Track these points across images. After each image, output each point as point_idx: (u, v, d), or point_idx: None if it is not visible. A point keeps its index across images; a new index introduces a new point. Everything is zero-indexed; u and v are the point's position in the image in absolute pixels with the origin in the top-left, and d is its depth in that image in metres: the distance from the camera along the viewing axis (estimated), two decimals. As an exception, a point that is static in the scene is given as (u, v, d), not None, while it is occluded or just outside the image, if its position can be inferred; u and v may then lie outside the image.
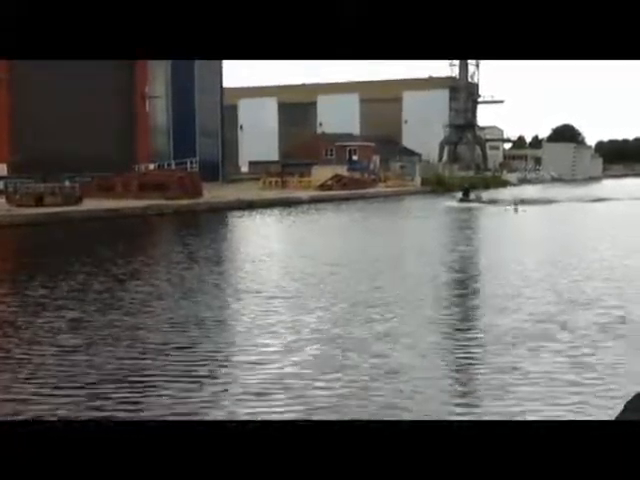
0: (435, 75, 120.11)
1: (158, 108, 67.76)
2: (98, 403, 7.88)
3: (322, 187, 58.99)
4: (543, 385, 8.41)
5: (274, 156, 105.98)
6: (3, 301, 14.10)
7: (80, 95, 56.17)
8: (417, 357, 9.67)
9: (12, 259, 22.82)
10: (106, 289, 15.21)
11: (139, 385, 8.56)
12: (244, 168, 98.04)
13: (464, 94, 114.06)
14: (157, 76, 67.78)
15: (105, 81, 58.68)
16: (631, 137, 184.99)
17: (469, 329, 11.50)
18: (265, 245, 24.46)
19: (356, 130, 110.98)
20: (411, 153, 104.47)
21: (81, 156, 52.55)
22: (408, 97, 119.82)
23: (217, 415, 7.49)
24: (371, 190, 61.35)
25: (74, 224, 32.60)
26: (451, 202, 46.93)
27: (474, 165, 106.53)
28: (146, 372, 9.10)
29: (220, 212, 40.17)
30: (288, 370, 9.10)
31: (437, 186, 68.48)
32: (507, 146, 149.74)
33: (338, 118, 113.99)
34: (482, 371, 9.07)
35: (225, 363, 9.62)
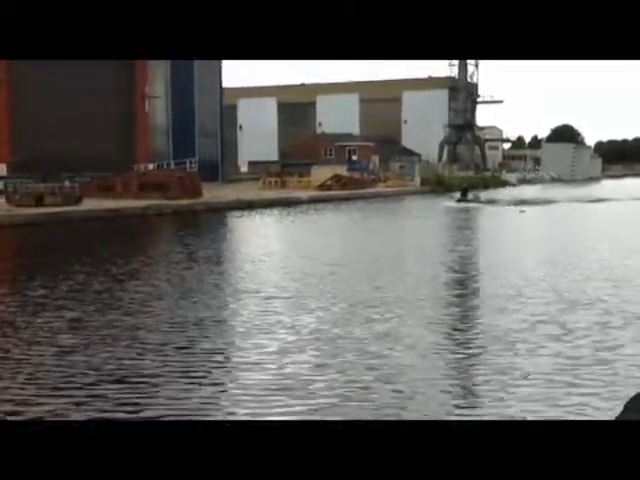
0: (434, 75, 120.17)
1: (158, 108, 67.77)
2: (98, 405, 7.88)
3: (322, 187, 59.00)
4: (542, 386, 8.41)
5: (273, 156, 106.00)
6: (3, 301, 14.09)
7: (80, 95, 56.17)
8: (417, 357, 9.66)
9: (12, 259, 22.80)
10: (106, 289, 15.21)
11: (137, 385, 8.56)
12: (243, 168, 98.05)
13: (463, 94, 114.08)
14: (157, 76, 67.80)
15: (105, 81, 58.69)
16: (630, 137, 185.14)
17: (468, 329, 11.49)
18: (265, 245, 24.45)
19: (356, 130, 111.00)
20: (411, 153, 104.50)
21: (81, 156, 52.55)
22: (408, 97, 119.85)
23: (215, 415, 7.49)
24: (371, 190, 61.35)
25: (74, 224, 32.59)
26: (450, 202, 46.86)
27: (473, 165, 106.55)
28: (144, 372, 9.10)
29: (220, 212, 40.17)
30: (286, 371, 9.09)
31: (437, 186, 68.50)
32: (506, 146, 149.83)
33: (338, 118, 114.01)
34: (482, 371, 9.07)
35: (224, 363, 9.61)
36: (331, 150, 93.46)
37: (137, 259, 20.49)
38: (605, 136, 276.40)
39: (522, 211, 40.84)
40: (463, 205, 44.85)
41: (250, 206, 43.49)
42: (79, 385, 8.53)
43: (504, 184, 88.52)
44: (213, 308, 13.11)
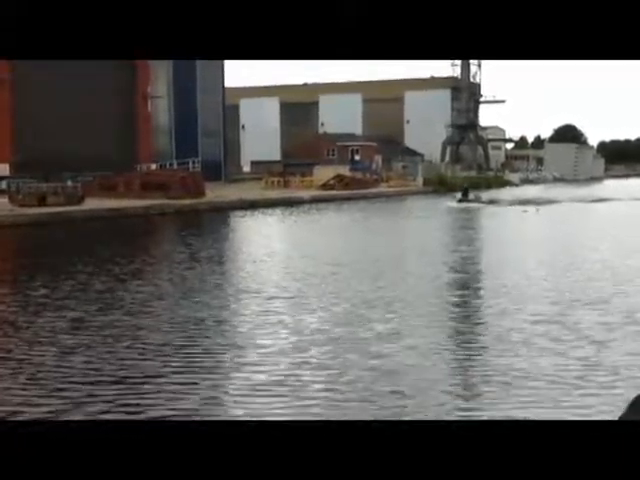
0: (437, 75, 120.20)
1: (160, 108, 67.82)
2: (98, 407, 7.88)
3: (324, 187, 59.00)
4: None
5: (276, 156, 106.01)
6: (5, 301, 14.11)
7: (82, 95, 56.21)
8: (418, 358, 9.66)
9: (15, 259, 22.82)
10: (108, 289, 15.22)
11: (136, 385, 8.57)
12: (246, 168, 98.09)
13: (466, 94, 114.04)
14: (159, 76, 67.84)
15: (107, 81, 58.73)
16: (633, 137, 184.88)
17: (471, 329, 11.49)
18: (267, 245, 24.47)
19: (358, 130, 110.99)
20: (413, 153, 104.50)
21: (83, 156, 52.60)
22: (410, 97, 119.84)
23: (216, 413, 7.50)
24: (373, 190, 61.35)
25: (77, 224, 32.62)
26: (451, 202, 46.75)
27: (476, 165, 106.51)
28: (144, 372, 9.10)
29: (222, 212, 40.20)
30: (287, 372, 9.09)
31: (439, 186, 68.47)
32: (509, 146, 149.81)
33: (340, 118, 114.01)
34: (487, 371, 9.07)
35: (224, 364, 9.62)
36: (333, 150, 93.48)
37: (139, 259, 20.51)
38: (608, 136, 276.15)
39: (524, 211, 40.81)
40: (464, 205, 44.72)
41: (253, 206, 43.52)
42: (85, 384, 8.54)
43: (507, 184, 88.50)
44: (214, 308, 13.11)
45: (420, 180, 72.83)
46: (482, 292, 15.13)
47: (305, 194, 52.23)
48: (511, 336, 10.74)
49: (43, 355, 9.90)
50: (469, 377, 8.92)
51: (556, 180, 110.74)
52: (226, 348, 10.32)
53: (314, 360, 9.54)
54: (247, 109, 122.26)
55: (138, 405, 7.84)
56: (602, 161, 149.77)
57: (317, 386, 8.46)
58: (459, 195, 48.80)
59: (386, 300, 13.67)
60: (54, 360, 9.64)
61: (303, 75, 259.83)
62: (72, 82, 54.95)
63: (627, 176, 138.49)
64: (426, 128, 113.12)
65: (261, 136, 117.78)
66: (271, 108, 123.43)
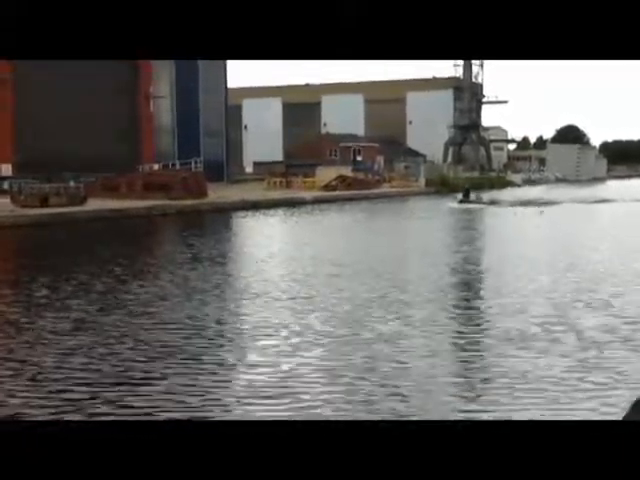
0: (439, 76, 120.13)
1: (162, 108, 67.86)
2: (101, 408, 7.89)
3: (326, 187, 58.99)
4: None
5: (278, 156, 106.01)
6: (9, 301, 14.12)
7: (84, 95, 56.27)
8: (417, 357, 9.66)
9: (18, 260, 22.83)
10: (109, 290, 15.23)
11: (135, 385, 8.57)
12: (248, 168, 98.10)
13: (468, 94, 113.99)
14: (161, 76, 67.87)
15: (109, 81, 58.77)
16: (635, 138, 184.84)
17: (475, 330, 11.48)
18: (269, 246, 24.47)
19: (361, 131, 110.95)
20: (415, 154, 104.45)
21: (86, 156, 52.63)
22: (412, 98, 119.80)
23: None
24: (375, 191, 61.34)
25: (79, 224, 32.63)
26: (452, 203, 46.65)
27: (479, 166, 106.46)
28: (145, 372, 9.10)
29: (224, 212, 40.20)
30: (289, 373, 9.09)
31: (441, 187, 68.43)
32: (511, 147, 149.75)
33: (342, 118, 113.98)
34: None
35: (226, 364, 9.61)
36: (336, 151, 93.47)
37: (141, 260, 20.52)
38: (610, 136, 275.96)
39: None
40: (465, 206, 44.59)
41: (255, 206, 43.51)
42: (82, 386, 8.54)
43: (509, 185, 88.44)
44: (216, 309, 13.11)
45: (422, 181, 72.80)
46: (482, 292, 15.12)
47: (307, 195, 52.22)
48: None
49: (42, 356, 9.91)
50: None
51: (558, 181, 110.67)
52: (227, 348, 10.33)
53: (314, 361, 9.53)
54: (250, 109, 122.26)
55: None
56: (604, 162, 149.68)
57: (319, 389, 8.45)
58: (460, 196, 48.75)
59: (387, 300, 13.67)
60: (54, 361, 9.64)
61: (306, 75, 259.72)
62: (74, 82, 55.01)
63: (629, 177, 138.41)
64: (428, 129, 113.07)
65: (263, 136, 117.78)
66: (274, 108, 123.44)
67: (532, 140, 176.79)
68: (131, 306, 13.31)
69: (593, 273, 17.03)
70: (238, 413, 7.61)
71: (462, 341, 10.64)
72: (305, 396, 8.09)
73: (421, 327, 11.46)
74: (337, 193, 55.71)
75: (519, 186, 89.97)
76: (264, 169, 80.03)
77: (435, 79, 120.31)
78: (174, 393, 8.19)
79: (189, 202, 40.96)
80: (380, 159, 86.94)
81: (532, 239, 26.83)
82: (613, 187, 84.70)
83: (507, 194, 64.45)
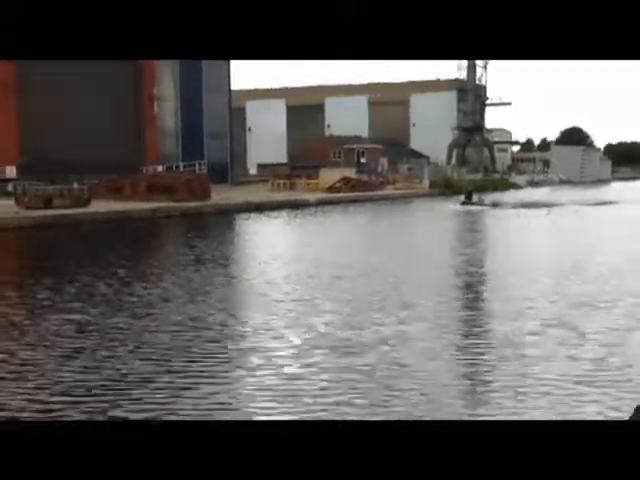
0: (443, 77, 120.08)
1: (166, 110, 67.92)
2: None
3: (330, 189, 58.97)
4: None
5: (282, 158, 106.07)
6: (13, 302, 14.14)
7: (88, 97, 56.33)
8: (418, 357, 9.66)
9: (22, 261, 22.86)
10: (113, 291, 15.24)
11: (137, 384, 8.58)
12: (252, 170, 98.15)
13: (472, 96, 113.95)
14: (165, 78, 67.95)
15: (113, 83, 58.84)
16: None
17: (478, 332, 11.48)
18: (272, 247, 24.48)
19: (364, 132, 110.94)
20: (419, 155, 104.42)
21: (89, 158, 52.69)
22: (416, 99, 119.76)
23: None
24: (379, 192, 61.32)
25: (83, 226, 32.67)
26: (454, 205, 46.49)
27: (482, 168, 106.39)
28: (146, 372, 9.11)
29: (228, 214, 40.21)
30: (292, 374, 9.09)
31: (445, 188, 68.35)
32: (515, 149, 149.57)
33: (346, 120, 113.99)
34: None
35: (228, 365, 9.62)
36: (340, 152, 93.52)
37: (146, 261, 20.54)
38: (614, 138, 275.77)
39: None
40: (467, 208, 44.42)
41: (259, 208, 43.52)
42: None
43: (513, 187, 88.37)
44: (219, 310, 13.12)
45: (426, 182, 72.73)
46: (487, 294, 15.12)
47: (311, 197, 52.22)
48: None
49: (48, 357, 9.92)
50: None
51: (562, 183, 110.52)
52: (230, 349, 10.33)
53: (318, 363, 9.53)
54: (253, 111, 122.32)
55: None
56: (609, 163, 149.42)
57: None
58: (463, 198, 48.59)
59: (388, 302, 13.67)
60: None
61: (309, 76, 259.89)
62: (78, 84, 55.10)
63: (634, 178, 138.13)
64: (432, 130, 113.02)
65: (267, 138, 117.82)
66: (277, 110, 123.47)
67: (536, 142, 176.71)
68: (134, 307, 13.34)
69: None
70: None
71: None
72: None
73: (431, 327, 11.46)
74: (341, 195, 55.71)
75: (522, 188, 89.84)
76: (268, 171, 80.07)
77: (439, 81, 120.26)
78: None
79: (193, 204, 40.99)
80: (384, 161, 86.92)
81: (534, 243, 26.79)
82: (617, 189, 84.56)
83: (510, 196, 64.30)
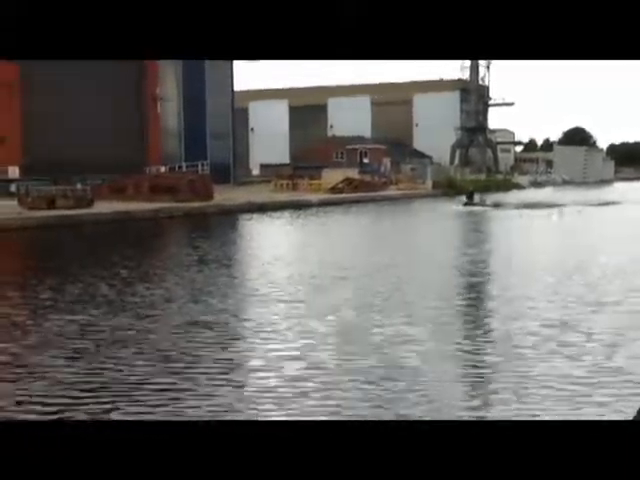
0: (446, 78, 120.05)
1: (169, 110, 67.98)
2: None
3: (333, 190, 58.95)
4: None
5: (285, 159, 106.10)
6: (16, 303, 14.15)
7: (91, 97, 56.39)
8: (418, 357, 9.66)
9: (25, 262, 22.88)
10: (116, 292, 15.26)
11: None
12: (255, 171, 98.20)
13: (475, 97, 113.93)
14: (168, 78, 68.00)
15: (116, 83, 58.89)
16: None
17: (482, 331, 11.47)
18: (275, 248, 24.48)
19: (367, 133, 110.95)
20: (422, 156, 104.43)
21: (92, 158, 52.73)
22: (419, 100, 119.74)
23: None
24: (382, 193, 61.32)
25: (86, 227, 32.69)
26: (456, 206, 46.30)
27: (485, 168, 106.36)
28: (149, 373, 9.12)
29: (231, 214, 40.22)
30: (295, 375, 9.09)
31: (448, 189, 68.31)
32: (518, 149, 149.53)
33: (349, 121, 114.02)
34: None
35: (231, 366, 9.62)
36: (342, 153, 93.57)
37: (149, 261, 20.56)
38: (617, 139, 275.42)
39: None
40: (469, 209, 44.13)
41: (261, 209, 43.52)
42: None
43: (515, 187, 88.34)
44: (222, 311, 13.12)
45: (429, 183, 72.71)
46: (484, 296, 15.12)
47: (314, 197, 52.22)
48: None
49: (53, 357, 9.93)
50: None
51: (565, 183, 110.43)
52: (233, 350, 10.34)
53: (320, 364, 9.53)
54: (256, 112, 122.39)
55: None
56: (612, 164, 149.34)
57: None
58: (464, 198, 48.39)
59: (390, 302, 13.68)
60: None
61: (312, 76, 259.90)
62: (80, 84, 55.13)
63: (637, 179, 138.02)
64: (435, 131, 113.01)
65: (270, 139, 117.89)
66: (280, 111, 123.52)
67: (539, 142, 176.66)
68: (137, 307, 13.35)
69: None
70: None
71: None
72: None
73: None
74: (344, 195, 55.70)
75: (524, 188, 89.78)
76: (271, 171, 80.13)
77: (442, 81, 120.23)
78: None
79: (196, 204, 41.01)
80: (387, 161, 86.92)
81: (536, 244, 26.77)
82: (620, 189, 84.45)
83: (512, 196, 64.21)
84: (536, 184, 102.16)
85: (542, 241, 27.00)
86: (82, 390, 8.39)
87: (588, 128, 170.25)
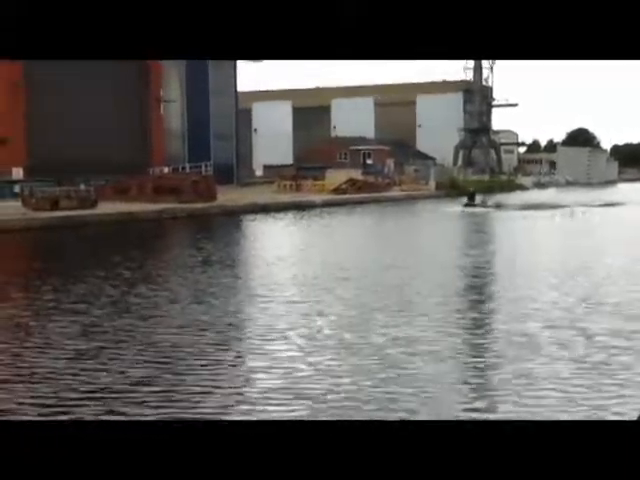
0: (449, 79, 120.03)
1: (173, 111, 68.01)
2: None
3: (336, 191, 58.94)
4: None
5: (288, 160, 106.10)
6: (20, 304, 14.17)
7: (95, 98, 56.41)
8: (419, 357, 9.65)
9: (29, 263, 22.91)
10: (120, 293, 15.28)
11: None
12: (258, 172, 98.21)
13: (478, 97, 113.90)
14: (172, 79, 68.03)
15: (120, 84, 58.93)
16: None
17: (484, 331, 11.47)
18: (278, 248, 24.49)
19: (370, 134, 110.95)
20: (425, 157, 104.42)
21: (96, 159, 52.76)
22: (422, 101, 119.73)
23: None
24: (385, 194, 61.31)
25: (90, 227, 32.73)
26: (457, 207, 46.07)
27: (489, 169, 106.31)
28: (150, 374, 9.13)
29: (234, 215, 40.24)
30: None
31: (451, 190, 68.25)
32: (522, 150, 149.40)
33: (352, 122, 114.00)
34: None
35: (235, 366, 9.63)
36: (346, 154, 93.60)
37: (152, 262, 20.58)
38: (621, 139, 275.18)
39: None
40: (470, 210, 43.81)
41: (265, 210, 43.52)
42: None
43: (519, 188, 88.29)
44: (225, 312, 13.13)
45: (432, 184, 72.67)
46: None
47: (317, 198, 52.21)
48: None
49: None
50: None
51: (569, 184, 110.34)
52: (237, 351, 10.35)
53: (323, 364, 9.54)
54: (260, 113, 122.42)
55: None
56: (615, 164, 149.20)
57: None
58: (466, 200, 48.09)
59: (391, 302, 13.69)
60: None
61: (315, 78, 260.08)
62: (85, 85, 55.18)
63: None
64: (438, 132, 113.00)
65: (273, 140, 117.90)
66: (284, 112, 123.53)
67: (542, 143, 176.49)
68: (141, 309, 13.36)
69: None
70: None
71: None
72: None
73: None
74: (347, 196, 55.68)
75: (527, 189, 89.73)
76: (274, 172, 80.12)
77: (445, 82, 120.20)
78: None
79: (199, 205, 41.03)
80: (390, 162, 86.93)
81: (538, 245, 26.76)
82: (624, 190, 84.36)
83: (514, 197, 64.09)
84: (539, 185, 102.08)
85: (547, 242, 26.97)
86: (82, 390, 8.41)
87: (592, 129, 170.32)
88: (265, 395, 8.22)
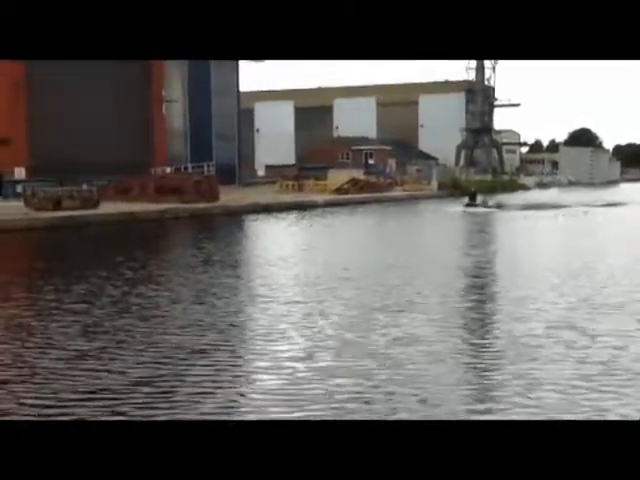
0: (451, 79, 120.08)
1: (175, 111, 68.03)
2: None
3: (338, 191, 58.95)
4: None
5: (290, 160, 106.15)
6: (23, 303, 14.19)
7: (97, 98, 56.44)
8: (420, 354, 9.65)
9: (32, 263, 22.93)
10: (122, 293, 15.29)
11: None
12: (260, 172, 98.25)
13: (480, 97, 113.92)
14: (174, 79, 68.05)
15: (122, 84, 58.95)
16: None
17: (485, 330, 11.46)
18: (280, 249, 24.49)
19: (372, 134, 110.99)
20: (427, 157, 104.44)
21: (98, 159, 52.79)
22: (424, 101, 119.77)
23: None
24: (387, 194, 61.31)
25: (92, 227, 32.75)
26: (458, 207, 45.93)
27: (491, 169, 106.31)
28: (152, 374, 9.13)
29: (236, 215, 40.25)
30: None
31: (454, 190, 68.25)
32: (524, 150, 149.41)
33: (354, 122, 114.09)
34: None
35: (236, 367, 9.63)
36: (348, 154, 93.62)
37: (154, 262, 20.58)
38: (624, 139, 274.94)
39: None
40: (471, 210, 43.62)
41: (267, 210, 43.53)
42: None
43: (521, 188, 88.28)
44: (225, 312, 13.13)
45: (434, 184, 72.69)
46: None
47: (319, 198, 52.22)
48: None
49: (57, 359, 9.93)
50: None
51: (571, 184, 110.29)
52: (237, 352, 10.35)
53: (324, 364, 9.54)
54: (262, 113, 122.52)
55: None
56: (618, 164, 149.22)
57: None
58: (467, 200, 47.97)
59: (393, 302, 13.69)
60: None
61: (318, 78, 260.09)
62: (87, 85, 55.21)
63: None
64: (440, 132, 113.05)
65: (276, 140, 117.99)
66: (286, 112, 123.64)
67: (545, 143, 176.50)
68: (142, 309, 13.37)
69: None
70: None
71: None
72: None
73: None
74: (349, 196, 55.70)
75: (529, 189, 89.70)
76: (276, 172, 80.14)
77: (447, 82, 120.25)
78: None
79: (201, 205, 41.04)
80: (392, 162, 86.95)
81: (540, 245, 26.75)
82: (626, 190, 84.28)
83: (516, 197, 64.05)
84: (542, 185, 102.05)
85: (549, 242, 26.95)
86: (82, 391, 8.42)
87: (594, 129, 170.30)
88: (265, 395, 8.23)
